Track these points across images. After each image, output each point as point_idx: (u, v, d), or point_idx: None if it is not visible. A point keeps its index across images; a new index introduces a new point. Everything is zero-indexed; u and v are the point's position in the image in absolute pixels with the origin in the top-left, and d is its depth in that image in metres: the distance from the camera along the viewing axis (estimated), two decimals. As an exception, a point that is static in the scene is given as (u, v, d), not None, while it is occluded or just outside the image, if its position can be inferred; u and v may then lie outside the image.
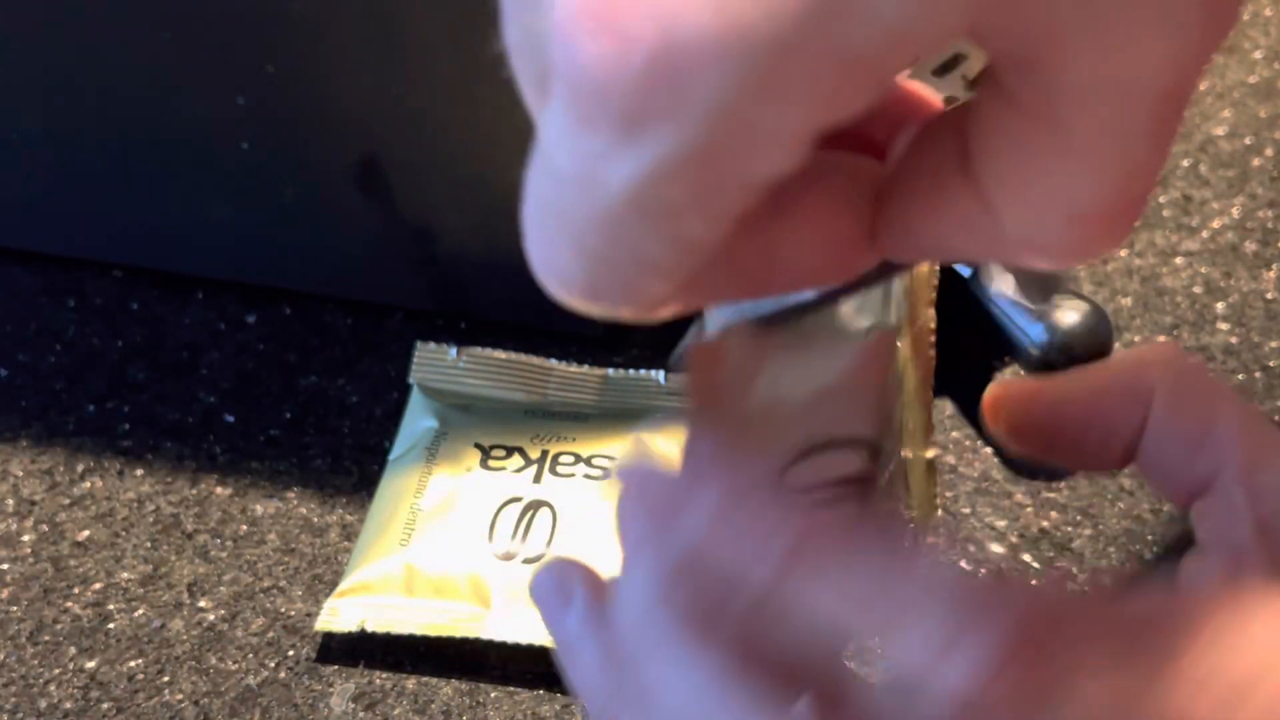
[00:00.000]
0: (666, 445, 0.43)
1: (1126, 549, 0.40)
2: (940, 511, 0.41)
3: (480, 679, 0.37)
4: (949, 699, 0.17)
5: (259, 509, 0.41)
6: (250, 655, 0.38)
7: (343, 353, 0.46)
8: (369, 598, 0.38)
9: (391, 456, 0.42)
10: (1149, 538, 0.40)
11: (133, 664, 0.37)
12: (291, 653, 0.38)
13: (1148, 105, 0.17)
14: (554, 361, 0.43)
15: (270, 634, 0.38)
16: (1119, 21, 0.16)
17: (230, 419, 0.44)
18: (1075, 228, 0.18)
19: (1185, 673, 0.18)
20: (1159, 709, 0.17)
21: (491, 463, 0.40)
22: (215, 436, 0.43)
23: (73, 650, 0.38)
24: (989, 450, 0.43)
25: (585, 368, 0.43)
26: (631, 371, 0.43)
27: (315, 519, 0.41)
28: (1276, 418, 0.44)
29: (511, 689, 0.37)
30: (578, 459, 0.40)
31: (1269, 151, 0.54)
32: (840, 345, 0.23)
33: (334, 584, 0.39)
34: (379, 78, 0.40)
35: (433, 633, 0.37)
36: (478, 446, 0.41)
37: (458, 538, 0.38)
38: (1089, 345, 0.41)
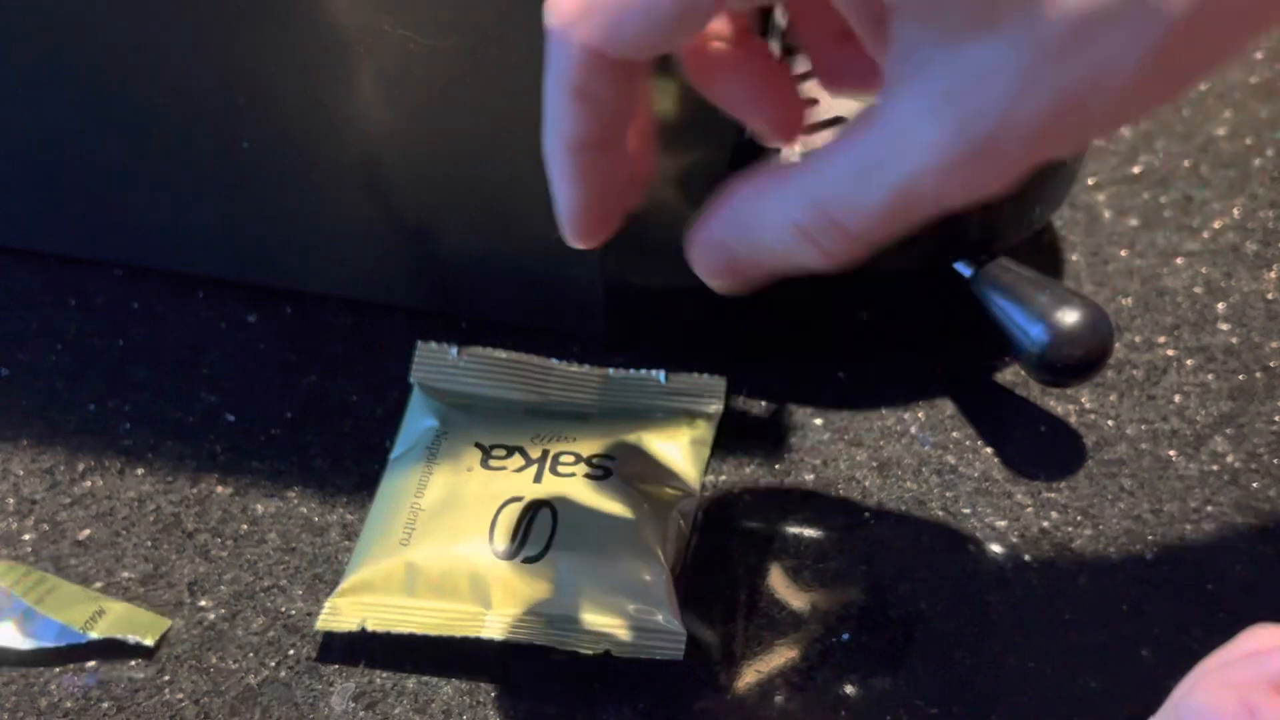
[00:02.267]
0: (664, 445, 0.43)
1: (1127, 549, 0.40)
2: (940, 511, 0.41)
3: (480, 679, 0.37)
4: None
5: (259, 508, 0.41)
6: (251, 654, 0.38)
7: (343, 352, 0.46)
8: (369, 597, 0.38)
9: (392, 456, 0.42)
10: (1149, 538, 0.40)
11: (133, 663, 0.37)
12: (292, 652, 0.38)
13: None
14: (555, 361, 0.43)
15: (271, 633, 0.38)
16: None
17: (231, 418, 0.44)
18: None
19: None
20: None
21: (492, 462, 0.40)
22: (216, 436, 0.44)
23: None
24: (989, 450, 0.43)
25: (586, 367, 0.43)
26: (633, 371, 0.43)
27: (316, 518, 0.41)
28: (1277, 418, 0.44)
29: (511, 689, 0.37)
30: (578, 459, 0.40)
31: (1270, 152, 0.54)
32: None
33: (334, 583, 0.39)
34: (380, 77, 0.40)
35: (433, 632, 0.37)
36: (478, 446, 0.41)
37: (458, 537, 0.38)
38: (1090, 345, 0.41)
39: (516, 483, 0.40)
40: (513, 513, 0.39)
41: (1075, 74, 0.22)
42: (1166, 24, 0.21)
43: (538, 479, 0.40)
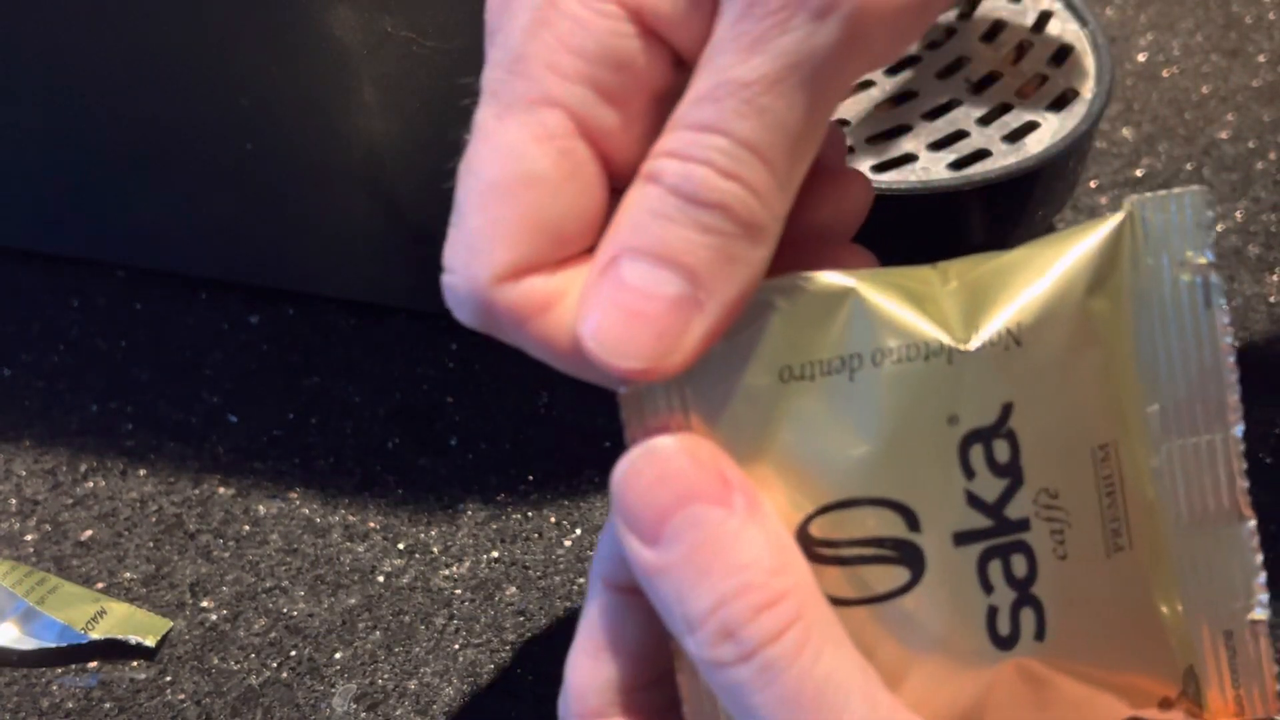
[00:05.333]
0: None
1: (1128, 552, 0.40)
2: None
3: (481, 681, 0.37)
4: None
5: (261, 509, 0.41)
6: (252, 655, 0.38)
7: (345, 353, 0.46)
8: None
9: None
10: (1151, 541, 0.40)
11: (135, 664, 0.37)
12: (294, 653, 0.38)
13: None
14: None
15: (272, 634, 0.38)
16: None
17: (233, 419, 0.44)
18: None
19: None
20: None
21: None
22: (218, 437, 0.44)
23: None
24: (991, 453, 0.43)
25: None
26: None
27: (318, 519, 0.41)
28: (1279, 423, 0.44)
29: (513, 691, 0.37)
30: None
31: (1272, 155, 0.54)
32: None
33: (336, 584, 0.39)
34: (383, 79, 0.40)
35: (434, 634, 0.37)
36: None
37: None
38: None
39: None
40: None
41: None
42: None
43: None
